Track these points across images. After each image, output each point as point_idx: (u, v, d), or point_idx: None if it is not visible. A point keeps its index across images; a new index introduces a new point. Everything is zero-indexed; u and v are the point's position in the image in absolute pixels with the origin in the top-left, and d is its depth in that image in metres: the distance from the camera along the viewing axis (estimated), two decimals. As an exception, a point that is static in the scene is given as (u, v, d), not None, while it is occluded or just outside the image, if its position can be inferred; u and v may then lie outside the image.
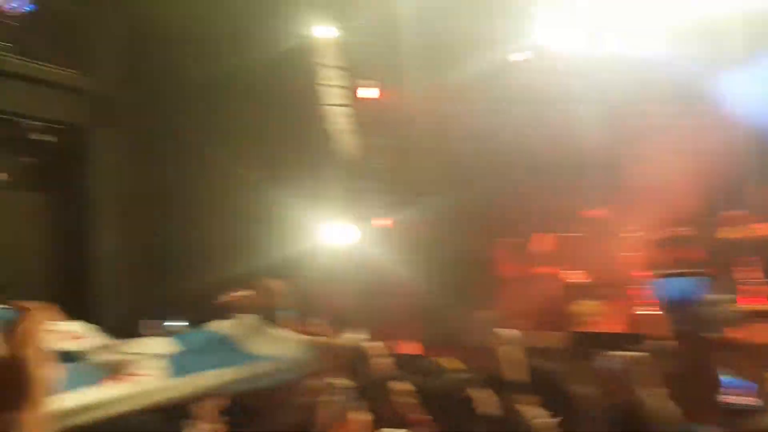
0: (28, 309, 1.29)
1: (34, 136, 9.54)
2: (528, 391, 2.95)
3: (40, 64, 9.53)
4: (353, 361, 2.71)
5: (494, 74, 8.74)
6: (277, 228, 8.95)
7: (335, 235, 9.26)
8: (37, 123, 9.53)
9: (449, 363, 4.36)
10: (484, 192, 8.61)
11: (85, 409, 2.08)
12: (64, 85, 9.74)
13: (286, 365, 2.62)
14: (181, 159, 9.69)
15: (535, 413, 2.87)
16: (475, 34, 8.57)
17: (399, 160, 9.44)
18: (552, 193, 8.51)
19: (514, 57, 9.00)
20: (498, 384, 3.03)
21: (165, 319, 8.00)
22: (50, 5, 10.16)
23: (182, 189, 9.74)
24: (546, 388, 3.25)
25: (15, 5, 10.04)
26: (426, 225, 8.84)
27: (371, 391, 3.04)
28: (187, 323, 6.49)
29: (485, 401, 2.69)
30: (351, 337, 2.78)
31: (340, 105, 9.37)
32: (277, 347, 2.69)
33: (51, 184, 9.82)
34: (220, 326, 2.98)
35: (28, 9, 10.19)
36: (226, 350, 2.66)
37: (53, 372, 1.24)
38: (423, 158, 9.30)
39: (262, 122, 9.28)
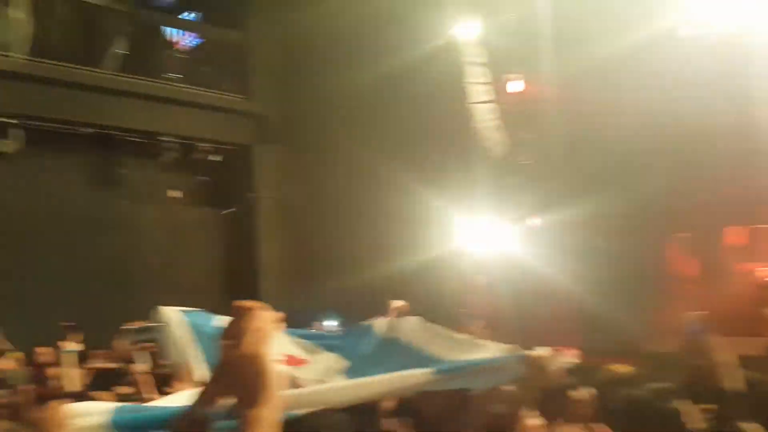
0: (253, 309, 1.26)
1: (204, 157, 10.38)
2: (744, 404, 2.52)
3: (207, 91, 10.45)
4: (538, 372, 2.49)
5: (650, 55, 7.93)
6: (428, 229, 8.88)
7: (488, 236, 8.95)
8: (206, 144, 10.38)
9: (627, 371, 3.95)
10: (651, 184, 7.84)
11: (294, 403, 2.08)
12: (229, 109, 10.66)
13: (490, 372, 2.46)
14: (334, 168, 10.05)
15: (753, 429, 2.45)
16: (626, 12, 7.84)
17: (550, 154, 8.93)
18: (733, 180, 7.53)
19: (680, 32, 8.12)
20: (702, 396, 2.64)
21: (326, 318, 8.31)
22: (214, 38, 11.14)
23: (337, 196, 10.09)
24: (758, 401, 2.79)
25: (187, 41, 11.12)
26: (585, 223, 8.24)
27: (551, 400, 2.82)
28: (346, 322, 6.63)
29: (692, 414, 2.33)
30: (558, 356, 2.58)
31: (486, 102, 9.10)
32: (472, 353, 2.55)
33: (220, 198, 10.73)
34: (382, 326, 2.90)
35: (196, 43, 11.23)
36: (402, 353, 2.56)
37: (280, 369, 1.22)
38: (578, 151, 8.71)
39: (410, 124, 9.30)
